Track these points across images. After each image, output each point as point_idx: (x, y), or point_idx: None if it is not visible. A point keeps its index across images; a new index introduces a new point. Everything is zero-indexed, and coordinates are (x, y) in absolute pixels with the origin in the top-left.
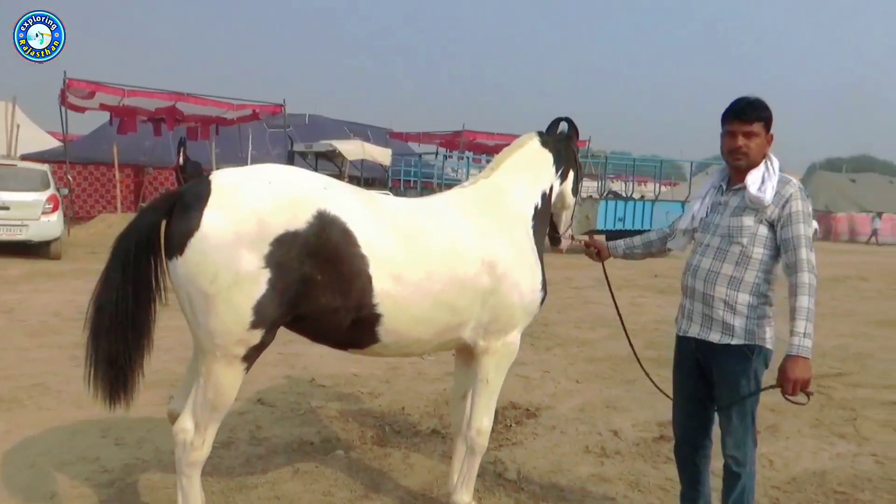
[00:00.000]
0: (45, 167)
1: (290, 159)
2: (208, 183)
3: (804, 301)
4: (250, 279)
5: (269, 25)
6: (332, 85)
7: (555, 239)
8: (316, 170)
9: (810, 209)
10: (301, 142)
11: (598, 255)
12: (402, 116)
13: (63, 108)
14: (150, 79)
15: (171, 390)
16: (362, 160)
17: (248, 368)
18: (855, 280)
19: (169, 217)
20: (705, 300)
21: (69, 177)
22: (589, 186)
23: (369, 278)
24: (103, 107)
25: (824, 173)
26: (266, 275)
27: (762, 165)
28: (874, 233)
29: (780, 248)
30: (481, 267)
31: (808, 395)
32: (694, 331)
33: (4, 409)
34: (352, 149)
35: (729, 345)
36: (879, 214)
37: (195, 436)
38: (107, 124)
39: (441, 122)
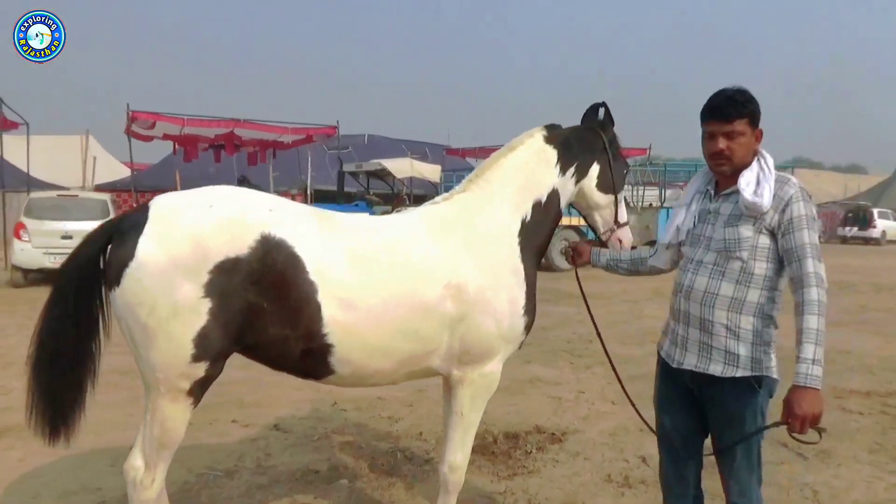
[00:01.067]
0: (106, 196)
1: (341, 179)
2: (146, 209)
3: (813, 321)
4: (190, 309)
5: (336, 47)
6: (391, 103)
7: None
8: (368, 189)
9: (815, 211)
10: (361, 161)
11: (574, 258)
12: (463, 131)
13: (129, 139)
14: (208, 107)
15: None
16: (411, 177)
17: (195, 403)
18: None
19: (108, 246)
20: (703, 326)
21: (134, 205)
22: (651, 195)
23: (318, 305)
24: (166, 136)
25: None
26: (207, 304)
27: (755, 164)
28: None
29: (783, 260)
30: (445, 291)
31: (820, 431)
32: (690, 362)
33: (21, 438)
34: (400, 167)
35: (734, 377)
36: None
37: (145, 474)
38: (174, 153)
39: (501, 135)
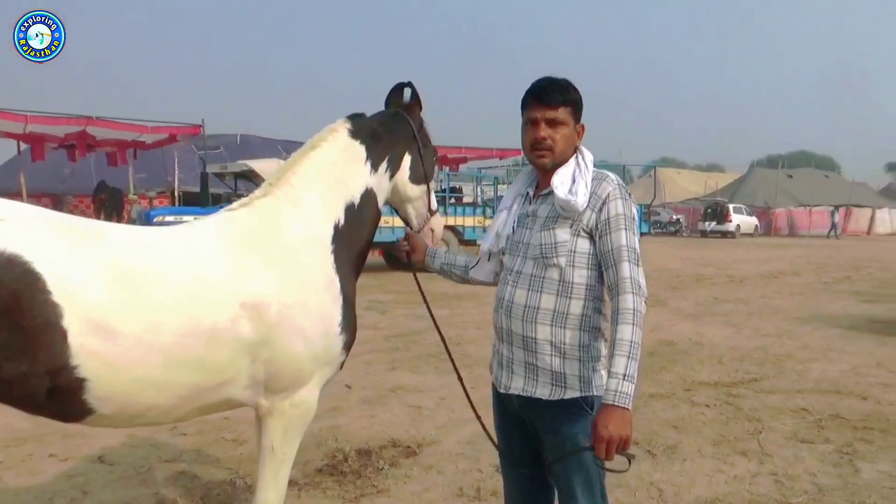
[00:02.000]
0: None
1: (204, 181)
2: None
3: (627, 332)
4: None
5: (200, 41)
6: (267, 101)
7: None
8: (235, 191)
9: (634, 211)
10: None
11: (409, 255)
12: None
13: None
14: (56, 104)
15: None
16: None
17: None
18: (788, 275)
19: None
20: (527, 345)
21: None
22: None
23: (63, 332)
24: (7, 135)
25: (762, 170)
26: None
27: (572, 161)
28: (833, 227)
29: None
30: (239, 312)
31: (629, 458)
32: (517, 385)
33: None
34: (268, 168)
35: (562, 400)
36: (837, 208)
37: None
38: (18, 153)
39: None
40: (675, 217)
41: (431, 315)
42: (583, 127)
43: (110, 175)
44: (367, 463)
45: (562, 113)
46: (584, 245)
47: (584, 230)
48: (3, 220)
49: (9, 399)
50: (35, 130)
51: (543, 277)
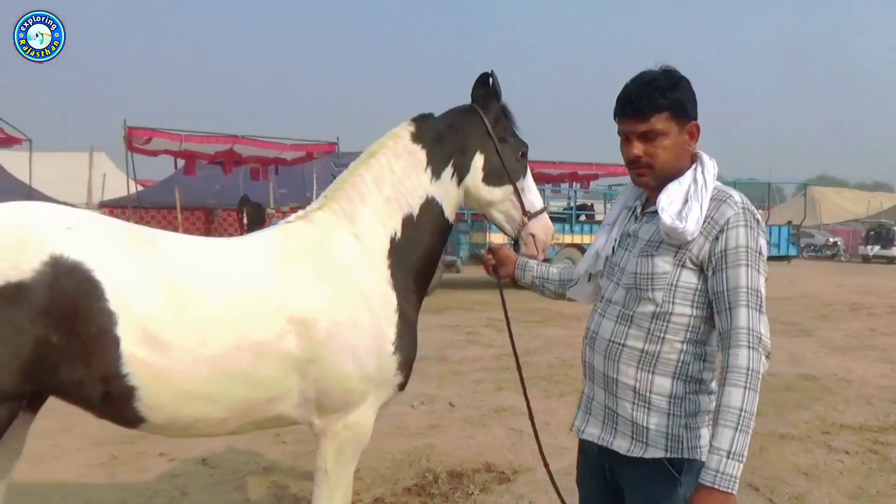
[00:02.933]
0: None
1: None
2: None
3: (737, 397)
4: None
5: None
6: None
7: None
8: None
9: (762, 243)
10: None
11: (496, 269)
12: None
13: (130, 155)
14: (207, 123)
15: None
16: None
17: None
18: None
19: None
20: (607, 385)
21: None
22: None
23: (116, 340)
24: (167, 152)
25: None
26: None
27: (688, 175)
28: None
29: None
30: (287, 327)
31: None
32: (592, 431)
33: None
34: None
35: (642, 458)
36: None
37: None
38: (175, 169)
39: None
40: (831, 240)
41: (510, 332)
42: (696, 127)
43: (254, 190)
44: (457, 486)
45: (657, 122)
46: (689, 278)
47: (692, 261)
48: (70, 229)
49: (73, 401)
50: (189, 148)
51: (634, 311)
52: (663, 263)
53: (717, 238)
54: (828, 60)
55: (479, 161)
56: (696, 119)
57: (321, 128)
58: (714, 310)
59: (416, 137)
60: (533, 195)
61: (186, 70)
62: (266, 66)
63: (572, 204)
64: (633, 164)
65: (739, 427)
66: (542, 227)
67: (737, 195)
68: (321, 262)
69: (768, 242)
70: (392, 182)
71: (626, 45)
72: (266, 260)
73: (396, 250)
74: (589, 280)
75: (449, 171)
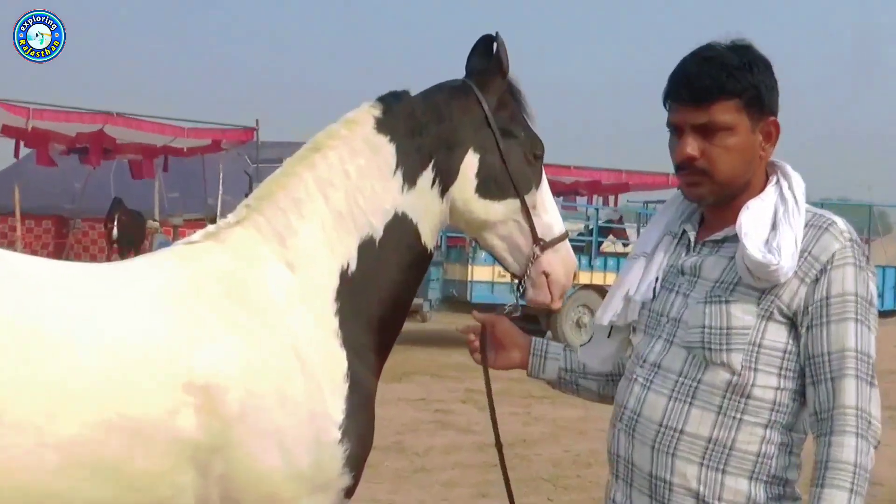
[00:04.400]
0: None
1: None
2: None
3: (839, 501)
4: None
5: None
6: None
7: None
8: None
9: (873, 288)
10: None
11: (482, 354)
12: None
13: None
14: (69, 98)
15: None
16: None
17: None
18: None
19: None
20: (655, 490)
21: None
22: None
23: None
24: (6, 131)
25: None
26: None
27: (770, 191)
28: None
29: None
30: (181, 398)
31: None
32: None
33: None
34: None
35: None
36: None
37: None
38: (17, 158)
39: None
40: None
41: (492, 409)
42: (776, 125)
43: (133, 192)
44: None
45: (722, 112)
46: (777, 335)
47: (781, 311)
48: None
49: None
50: (39, 127)
51: (700, 381)
52: (744, 314)
53: (816, 280)
54: None
55: (471, 162)
56: (775, 114)
57: (235, 108)
58: (808, 380)
59: (383, 126)
60: (550, 215)
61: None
62: (162, 28)
63: (592, 226)
64: (684, 168)
65: None
66: (560, 261)
67: (841, 222)
68: (236, 302)
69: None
70: (346, 189)
71: (670, 24)
72: (154, 298)
73: (349, 289)
74: (609, 335)
75: (428, 175)
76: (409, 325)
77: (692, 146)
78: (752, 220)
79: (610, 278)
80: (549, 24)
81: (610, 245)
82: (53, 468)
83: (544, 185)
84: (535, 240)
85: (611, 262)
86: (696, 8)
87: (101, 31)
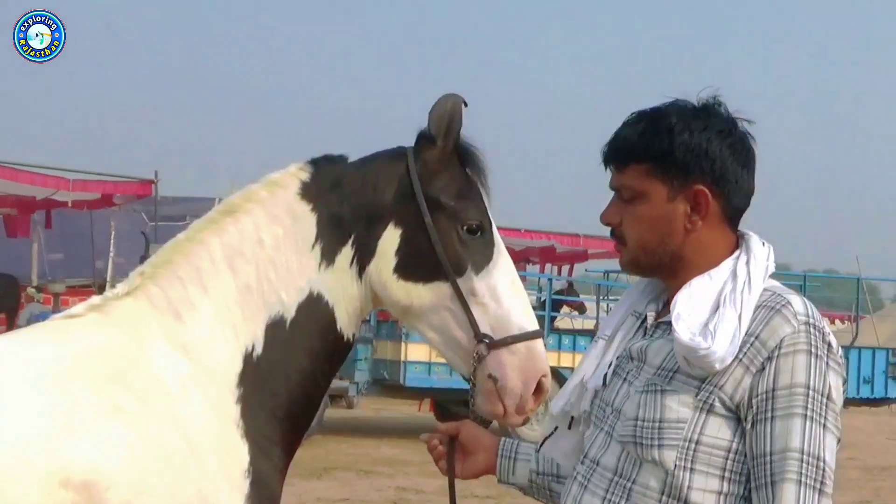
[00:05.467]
0: None
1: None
2: None
3: None
4: None
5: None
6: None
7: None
8: None
9: (834, 381)
10: None
11: (447, 465)
12: None
13: None
14: None
15: None
16: None
17: None
18: None
19: None
20: None
21: None
22: None
23: None
24: None
25: None
26: None
27: (725, 266)
28: None
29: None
30: (56, 494)
31: None
32: None
33: None
34: None
35: None
36: None
37: None
38: None
39: None
40: None
41: None
42: (702, 195)
43: (8, 252)
44: None
45: (631, 177)
46: (720, 431)
47: (724, 403)
48: None
49: None
50: None
51: (634, 482)
52: (679, 405)
53: (763, 369)
54: None
55: (391, 238)
56: (710, 181)
57: (132, 158)
58: (752, 484)
59: (308, 192)
60: (504, 306)
61: None
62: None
63: (545, 298)
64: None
65: None
66: (516, 366)
67: (798, 301)
68: (121, 386)
69: (846, 381)
70: (257, 261)
71: (629, 67)
72: (29, 379)
73: (254, 374)
74: (570, 427)
75: (347, 252)
76: (332, 412)
77: (610, 211)
78: (690, 299)
79: (565, 358)
80: (503, 74)
81: (565, 320)
82: None
83: (499, 269)
84: (478, 335)
85: (566, 339)
86: (662, 67)
87: None
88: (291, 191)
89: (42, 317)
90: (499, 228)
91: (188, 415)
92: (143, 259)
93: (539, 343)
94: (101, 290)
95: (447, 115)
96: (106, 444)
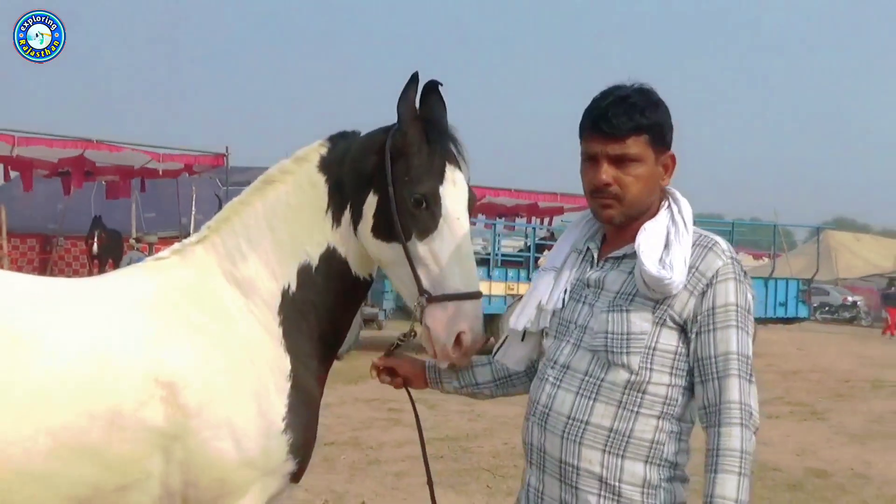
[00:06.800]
0: None
1: None
2: None
3: (731, 487)
4: None
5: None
6: (316, 125)
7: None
8: None
9: (751, 299)
10: None
11: (400, 383)
12: None
13: None
14: (52, 124)
15: None
16: None
17: None
18: None
19: None
20: (564, 474)
21: None
22: None
23: None
24: None
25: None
26: None
27: (663, 214)
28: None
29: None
30: (151, 391)
31: None
32: None
33: None
34: None
35: None
36: None
37: None
38: (7, 180)
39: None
40: (850, 299)
41: (416, 417)
42: (672, 158)
43: (112, 212)
44: None
45: (633, 145)
46: (669, 340)
47: (673, 319)
48: None
49: None
50: (24, 155)
51: (602, 380)
52: (641, 321)
53: (703, 293)
54: (847, 82)
55: (371, 203)
56: (670, 149)
57: (207, 135)
58: (696, 378)
59: (324, 164)
60: (445, 270)
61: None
62: (135, 54)
63: (530, 243)
64: (598, 192)
65: None
66: (443, 319)
67: (723, 242)
68: (197, 309)
69: (755, 297)
70: (288, 221)
71: (604, 59)
72: (129, 304)
73: (290, 305)
74: (523, 339)
75: (347, 215)
76: (366, 333)
77: (608, 173)
78: (648, 241)
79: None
80: (494, 56)
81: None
82: (46, 451)
83: (441, 238)
84: (420, 290)
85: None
86: (627, 47)
87: (85, 64)
88: (312, 164)
89: (139, 260)
90: (492, 189)
91: (245, 333)
92: None
93: (468, 303)
94: (183, 237)
95: (406, 104)
96: (184, 354)
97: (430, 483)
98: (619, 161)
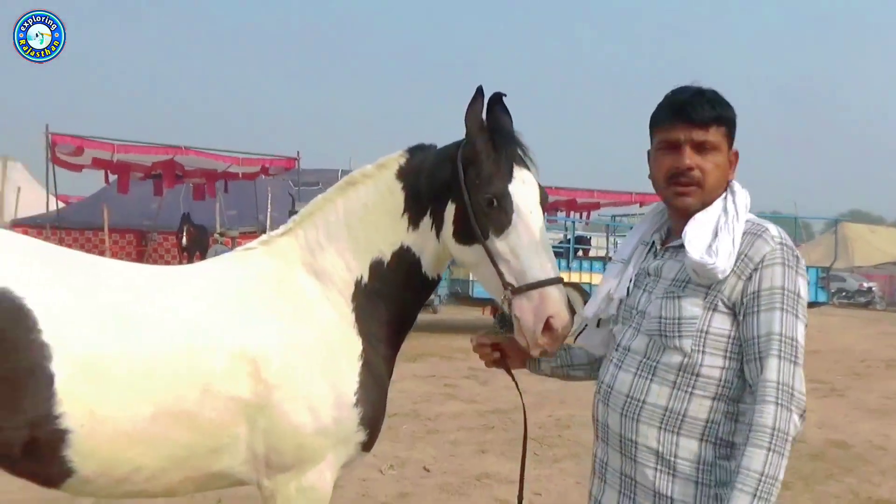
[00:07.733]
0: None
1: None
2: None
3: (758, 459)
4: None
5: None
6: (373, 132)
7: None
8: None
9: (802, 285)
10: None
11: (499, 360)
12: None
13: (51, 167)
14: (141, 135)
15: None
16: None
17: None
18: None
19: None
20: (624, 448)
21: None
22: None
23: (50, 377)
24: (97, 163)
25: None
26: None
27: (717, 204)
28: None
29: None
30: (238, 364)
31: None
32: (610, 502)
33: None
34: None
35: None
36: None
37: None
38: (107, 183)
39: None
40: (865, 285)
41: (518, 389)
42: (736, 155)
43: (198, 210)
44: None
45: (714, 134)
46: (721, 323)
47: (724, 303)
48: None
49: None
50: (122, 159)
51: (658, 362)
52: (692, 306)
53: (750, 277)
54: (856, 84)
55: (451, 211)
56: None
57: (279, 141)
58: (744, 358)
59: (402, 174)
60: (524, 262)
61: (117, 72)
62: (217, 71)
63: (570, 236)
64: (678, 177)
65: (758, 494)
66: (530, 308)
67: (774, 229)
68: (279, 295)
69: (809, 283)
70: (364, 221)
71: (631, 62)
72: (221, 289)
73: (363, 295)
74: (598, 325)
75: (427, 220)
76: (422, 316)
77: (693, 159)
78: (695, 229)
79: (584, 277)
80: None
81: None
82: (148, 416)
83: (517, 232)
84: (505, 284)
85: (584, 264)
86: (660, 53)
87: (177, 83)
88: (392, 171)
89: (223, 252)
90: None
91: (321, 316)
92: (290, 213)
93: (550, 289)
94: (262, 233)
95: (472, 116)
96: (269, 333)
97: (524, 453)
98: (700, 148)
